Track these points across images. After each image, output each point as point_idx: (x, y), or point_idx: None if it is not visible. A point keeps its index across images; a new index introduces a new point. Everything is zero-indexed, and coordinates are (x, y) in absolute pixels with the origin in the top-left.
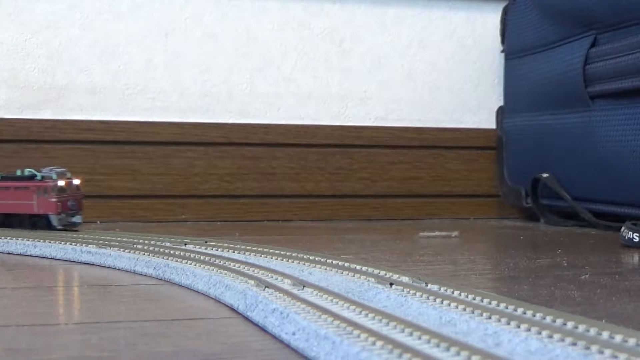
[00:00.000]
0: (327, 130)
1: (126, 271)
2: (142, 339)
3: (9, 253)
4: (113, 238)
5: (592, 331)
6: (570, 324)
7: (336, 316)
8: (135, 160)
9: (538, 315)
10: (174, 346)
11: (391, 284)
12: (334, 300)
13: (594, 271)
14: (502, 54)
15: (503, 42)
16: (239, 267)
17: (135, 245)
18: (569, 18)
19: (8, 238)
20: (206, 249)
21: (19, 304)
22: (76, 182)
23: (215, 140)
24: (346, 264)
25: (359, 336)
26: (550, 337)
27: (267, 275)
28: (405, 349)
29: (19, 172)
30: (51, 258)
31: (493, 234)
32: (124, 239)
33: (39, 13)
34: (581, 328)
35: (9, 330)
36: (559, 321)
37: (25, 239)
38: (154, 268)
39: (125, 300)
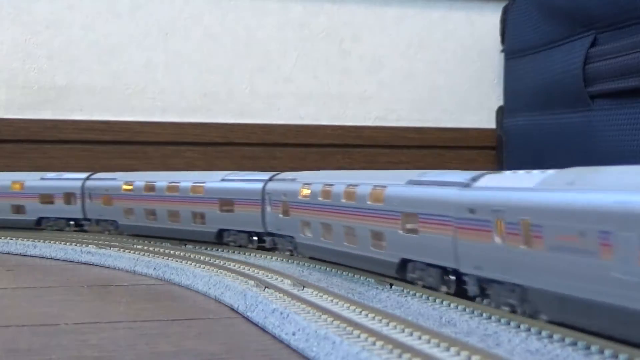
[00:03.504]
0: (327, 130)
1: (126, 271)
2: (142, 339)
3: (9, 253)
4: (113, 238)
5: None
6: None
7: (336, 316)
8: (135, 160)
9: None
10: (174, 346)
11: (391, 284)
12: (334, 300)
13: None
14: (502, 54)
15: (503, 42)
16: (239, 267)
17: (135, 246)
18: (569, 17)
19: (8, 238)
20: (206, 249)
21: (19, 304)
22: None
23: (215, 140)
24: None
25: (359, 336)
26: (550, 337)
27: (267, 275)
28: (405, 349)
29: None
30: (51, 258)
31: None
32: (124, 239)
33: (39, 13)
34: None
35: (9, 330)
36: None
37: (25, 239)
38: (154, 268)
39: (125, 300)
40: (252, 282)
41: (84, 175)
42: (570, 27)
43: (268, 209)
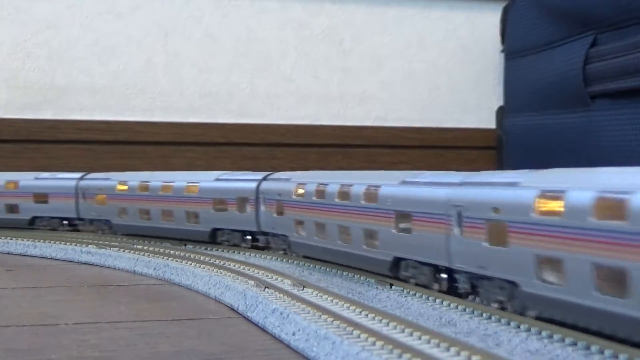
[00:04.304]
0: (327, 130)
1: (126, 271)
2: (142, 339)
3: (9, 253)
4: (113, 238)
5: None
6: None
7: (336, 316)
8: (135, 160)
9: None
10: (174, 346)
11: (391, 285)
12: (334, 300)
13: None
14: (502, 54)
15: (503, 42)
16: (239, 267)
17: (135, 246)
18: (569, 18)
19: (8, 238)
20: (206, 249)
21: (19, 304)
22: None
23: (215, 140)
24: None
25: (359, 336)
26: (550, 337)
27: (267, 276)
28: (405, 349)
29: None
30: (51, 258)
31: None
32: (124, 239)
33: (39, 13)
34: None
35: (9, 330)
36: None
37: (25, 239)
38: (154, 268)
39: (125, 300)
40: (252, 282)
41: (260, 175)
42: (570, 27)
43: (455, 231)
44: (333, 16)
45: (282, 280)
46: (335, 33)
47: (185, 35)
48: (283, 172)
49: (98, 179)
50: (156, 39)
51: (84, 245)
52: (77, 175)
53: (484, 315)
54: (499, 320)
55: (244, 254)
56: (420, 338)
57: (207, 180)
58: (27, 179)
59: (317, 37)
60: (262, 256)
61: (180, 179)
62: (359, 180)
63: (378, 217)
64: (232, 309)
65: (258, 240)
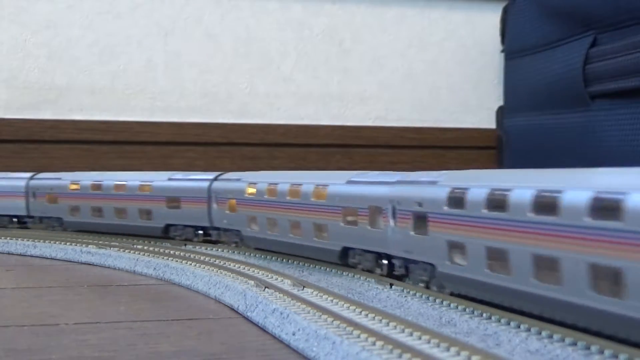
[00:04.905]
0: (327, 130)
1: (126, 271)
2: (142, 339)
3: (9, 253)
4: (113, 238)
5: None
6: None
7: (336, 316)
8: (135, 160)
9: None
10: (174, 346)
11: (391, 285)
12: (334, 300)
13: None
14: (502, 54)
15: (503, 42)
16: (239, 267)
17: (135, 246)
18: (569, 18)
19: (8, 238)
20: (206, 249)
21: (19, 304)
22: None
23: (215, 140)
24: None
25: (359, 336)
26: (550, 337)
27: (267, 276)
28: (405, 349)
29: None
30: (51, 258)
31: None
32: (124, 239)
33: (39, 13)
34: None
35: (9, 330)
36: None
37: (25, 239)
38: (154, 268)
39: (125, 300)
40: (252, 282)
41: (393, 177)
42: (570, 27)
43: None
44: (333, 16)
45: (282, 280)
46: (335, 33)
47: (185, 35)
48: (425, 171)
49: (230, 180)
50: (156, 39)
51: (84, 245)
52: (211, 175)
53: (484, 315)
54: (499, 320)
55: (244, 254)
56: (420, 338)
57: (336, 182)
58: (161, 179)
59: (317, 37)
60: (262, 256)
61: (309, 180)
62: (570, 182)
63: (617, 244)
64: (232, 309)
65: (394, 267)
